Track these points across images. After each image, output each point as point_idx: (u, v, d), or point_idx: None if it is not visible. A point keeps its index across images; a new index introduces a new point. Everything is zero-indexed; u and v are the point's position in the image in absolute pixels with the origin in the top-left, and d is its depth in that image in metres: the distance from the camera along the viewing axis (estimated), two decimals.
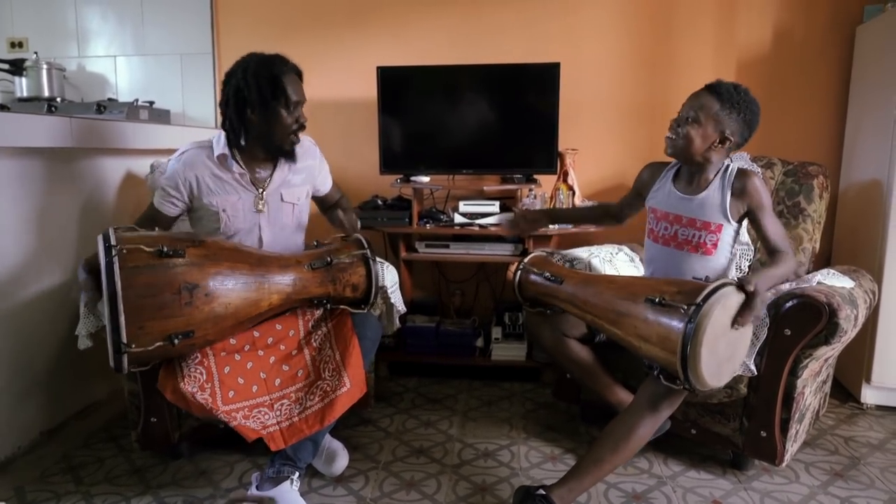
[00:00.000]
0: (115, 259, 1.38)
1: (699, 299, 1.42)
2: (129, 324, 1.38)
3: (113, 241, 1.40)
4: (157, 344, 1.42)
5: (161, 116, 2.89)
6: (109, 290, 1.37)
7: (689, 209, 1.73)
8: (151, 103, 2.88)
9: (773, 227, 1.67)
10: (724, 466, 1.97)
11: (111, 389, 2.43)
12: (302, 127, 1.83)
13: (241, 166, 1.83)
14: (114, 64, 3.09)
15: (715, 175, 1.71)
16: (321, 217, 2.14)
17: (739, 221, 1.71)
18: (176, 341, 1.44)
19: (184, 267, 1.46)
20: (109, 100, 2.93)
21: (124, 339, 1.38)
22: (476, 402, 2.48)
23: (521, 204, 2.61)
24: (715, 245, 1.70)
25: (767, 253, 1.68)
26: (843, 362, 2.44)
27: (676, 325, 1.44)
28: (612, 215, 2.07)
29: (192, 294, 1.45)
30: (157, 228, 1.75)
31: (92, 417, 2.29)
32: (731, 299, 1.46)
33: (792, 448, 1.84)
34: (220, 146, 1.82)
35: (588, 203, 2.72)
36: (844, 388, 2.55)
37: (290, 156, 1.86)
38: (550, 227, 2.57)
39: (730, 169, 1.70)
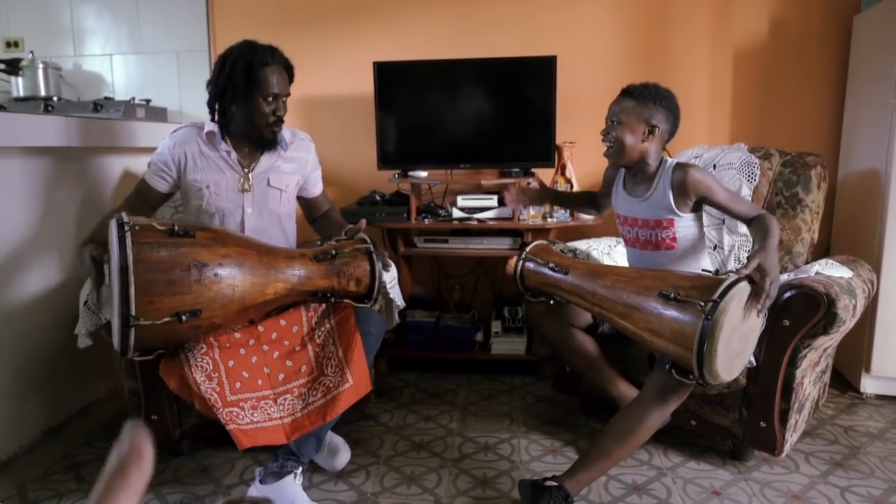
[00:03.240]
0: (128, 234, 1.41)
1: (716, 296, 1.39)
2: (139, 298, 1.39)
3: (125, 219, 1.44)
4: (165, 319, 1.43)
5: (158, 114, 2.88)
6: (121, 263, 1.39)
7: (641, 211, 1.80)
8: (148, 101, 2.88)
9: (733, 202, 1.73)
10: (723, 457, 1.98)
11: (111, 388, 2.43)
12: (279, 120, 1.85)
13: (228, 145, 1.86)
14: (110, 62, 3.08)
15: (656, 174, 1.77)
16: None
17: (694, 210, 1.77)
18: (184, 318, 1.45)
19: (194, 246, 1.49)
20: (106, 98, 2.93)
21: (133, 312, 1.39)
22: (476, 396, 2.49)
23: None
24: (674, 238, 1.77)
25: (746, 224, 1.73)
26: (843, 352, 2.44)
27: (692, 321, 1.42)
28: (594, 203, 2.14)
29: (202, 272, 1.47)
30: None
31: (93, 416, 2.30)
32: (745, 294, 1.46)
33: (791, 438, 1.84)
34: (211, 124, 1.86)
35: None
36: (844, 378, 2.55)
37: (271, 145, 1.88)
38: (548, 220, 2.57)
39: (668, 166, 1.76)
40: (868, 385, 2.40)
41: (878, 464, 1.94)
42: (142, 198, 1.90)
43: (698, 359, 1.41)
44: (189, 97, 3.03)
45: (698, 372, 1.44)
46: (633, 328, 1.58)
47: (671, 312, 1.48)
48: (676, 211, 1.74)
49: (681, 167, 1.73)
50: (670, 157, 1.82)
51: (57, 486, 1.87)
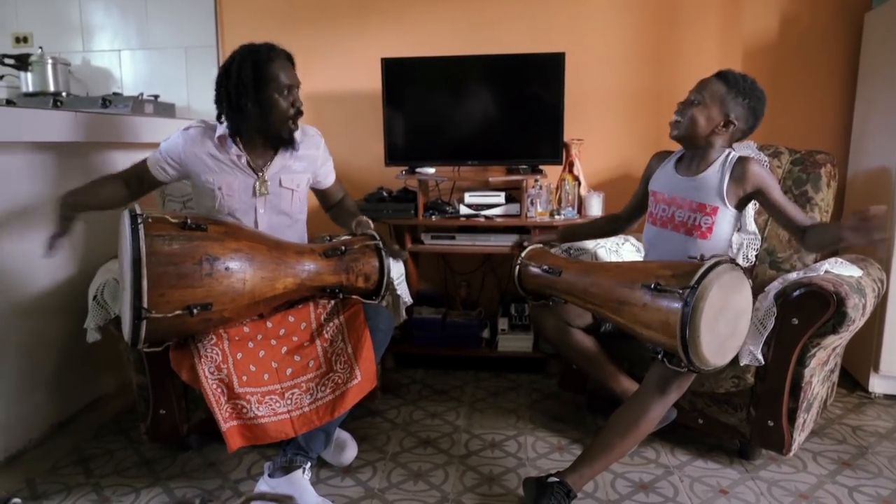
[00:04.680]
0: (141, 226, 1.42)
1: (693, 282, 1.43)
2: (151, 290, 1.40)
3: (138, 211, 1.45)
4: (177, 312, 1.44)
5: (166, 110, 2.89)
6: (134, 255, 1.39)
7: (687, 190, 1.75)
8: (156, 97, 2.89)
9: (789, 204, 1.69)
10: (731, 456, 1.97)
11: (120, 382, 2.44)
12: (299, 112, 1.83)
13: (239, 149, 1.84)
14: (118, 58, 3.09)
15: (716, 160, 1.72)
16: (320, 213, 2.15)
17: (738, 207, 1.72)
18: (195, 311, 1.46)
19: (206, 240, 1.50)
20: (114, 94, 2.93)
21: (145, 305, 1.40)
22: (482, 393, 2.49)
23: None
24: (710, 229, 1.72)
25: (800, 231, 1.63)
26: (851, 351, 2.43)
27: (674, 309, 1.45)
28: (621, 221, 2.08)
29: (213, 266, 1.48)
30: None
31: (101, 410, 2.31)
32: (725, 277, 1.47)
33: (799, 437, 1.84)
34: (222, 127, 1.84)
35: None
36: (852, 378, 2.54)
37: (290, 143, 1.86)
38: (555, 218, 2.57)
39: (731, 156, 1.72)
40: (876, 384, 2.39)
41: (887, 464, 1.93)
42: (137, 178, 1.88)
43: (683, 345, 1.44)
44: (197, 93, 3.03)
45: (686, 359, 1.46)
46: (625, 322, 1.60)
47: (655, 303, 1.50)
48: (725, 199, 1.69)
49: (744, 159, 1.69)
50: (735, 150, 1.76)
51: (65, 479, 1.88)
